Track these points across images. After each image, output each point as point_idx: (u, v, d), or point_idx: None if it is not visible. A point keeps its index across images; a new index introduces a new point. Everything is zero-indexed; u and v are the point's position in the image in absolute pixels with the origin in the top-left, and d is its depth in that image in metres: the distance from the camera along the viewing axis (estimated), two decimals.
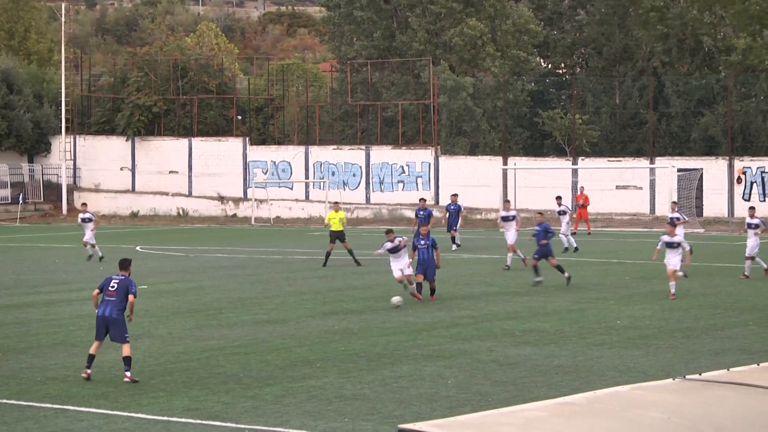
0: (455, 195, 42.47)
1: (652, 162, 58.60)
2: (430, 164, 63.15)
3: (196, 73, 71.31)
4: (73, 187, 70.86)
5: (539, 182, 58.97)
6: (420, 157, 63.52)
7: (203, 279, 32.40)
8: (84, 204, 42.17)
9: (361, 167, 64.77)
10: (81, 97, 74.09)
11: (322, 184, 64.11)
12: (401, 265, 26.36)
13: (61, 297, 28.29)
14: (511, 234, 33.83)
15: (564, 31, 69.04)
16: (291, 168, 66.48)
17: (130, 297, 17.44)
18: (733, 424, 5.96)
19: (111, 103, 72.19)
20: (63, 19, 71.13)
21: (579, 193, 53.48)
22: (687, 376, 6.88)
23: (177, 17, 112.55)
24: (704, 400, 6.35)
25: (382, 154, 64.46)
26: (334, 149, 65.81)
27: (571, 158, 60.84)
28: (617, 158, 60.12)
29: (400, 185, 63.72)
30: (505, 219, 35.08)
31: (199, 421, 14.51)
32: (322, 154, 65.83)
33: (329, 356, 19.14)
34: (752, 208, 33.13)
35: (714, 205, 56.62)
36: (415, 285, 26.28)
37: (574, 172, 59.47)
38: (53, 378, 17.49)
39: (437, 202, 60.82)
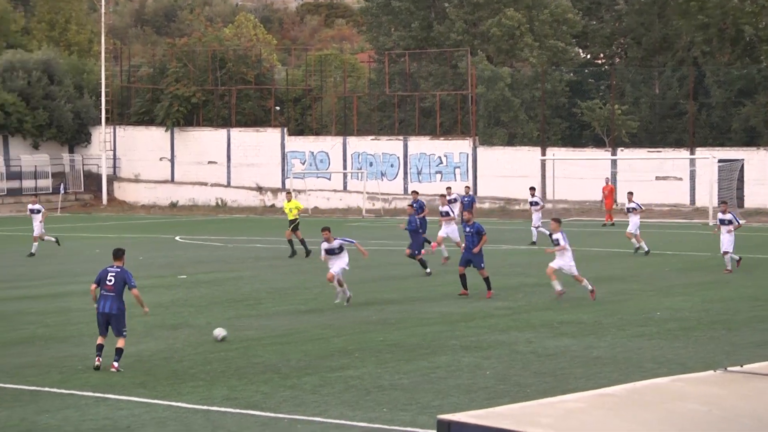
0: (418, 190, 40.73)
1: (692, 153, 58.16)
2: (468, 155, 63.01)
3: (234, 63, 71.56)
4: (113, 178, 71.38)
5: (578, 173, 58.68)
6: (458, 147, 63.39)
7: (242, 269, 32.55)
8: (35, 195, 43.04)
9: (398, 158, 64.75)
10: (120, 87, 74.60)
11: (360, 174, 64.15)
12: (339, 265, 24.46)
13: None
14: (445, 227, 32.73)
15: (603, 20, 68.63)
16: (329, 158, 66.58)
17: (134, 291, 17.27)
18: None
19: (150, 94, 72.61)
20: (103, 10, 71.59)
21: (605, 184, 53.23)
22: (728, 368, 6.83)
23: (215, 8, 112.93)
24: (746, 392, 6.30)
25: (419, 144, 64.39)
26: (371, 140, 65.82)
27: (610, 149, 60.51)
28: (657, 149, 59.71)
29: (438, 176, 63.62)
30: (443, 214, 33.38)
31: (238, 411, 14.58)
32: (359, 144, 65.86)
33: (367, 346, 19.17)
34: (724, 203, 32.01)
35: (756, 195, 56.12)
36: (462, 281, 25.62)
37: (613, 162, 59.13)
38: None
39: (476, 192, 60.68)
